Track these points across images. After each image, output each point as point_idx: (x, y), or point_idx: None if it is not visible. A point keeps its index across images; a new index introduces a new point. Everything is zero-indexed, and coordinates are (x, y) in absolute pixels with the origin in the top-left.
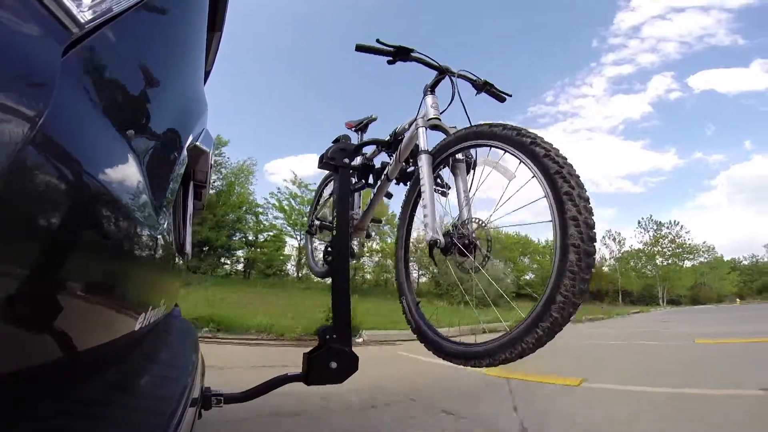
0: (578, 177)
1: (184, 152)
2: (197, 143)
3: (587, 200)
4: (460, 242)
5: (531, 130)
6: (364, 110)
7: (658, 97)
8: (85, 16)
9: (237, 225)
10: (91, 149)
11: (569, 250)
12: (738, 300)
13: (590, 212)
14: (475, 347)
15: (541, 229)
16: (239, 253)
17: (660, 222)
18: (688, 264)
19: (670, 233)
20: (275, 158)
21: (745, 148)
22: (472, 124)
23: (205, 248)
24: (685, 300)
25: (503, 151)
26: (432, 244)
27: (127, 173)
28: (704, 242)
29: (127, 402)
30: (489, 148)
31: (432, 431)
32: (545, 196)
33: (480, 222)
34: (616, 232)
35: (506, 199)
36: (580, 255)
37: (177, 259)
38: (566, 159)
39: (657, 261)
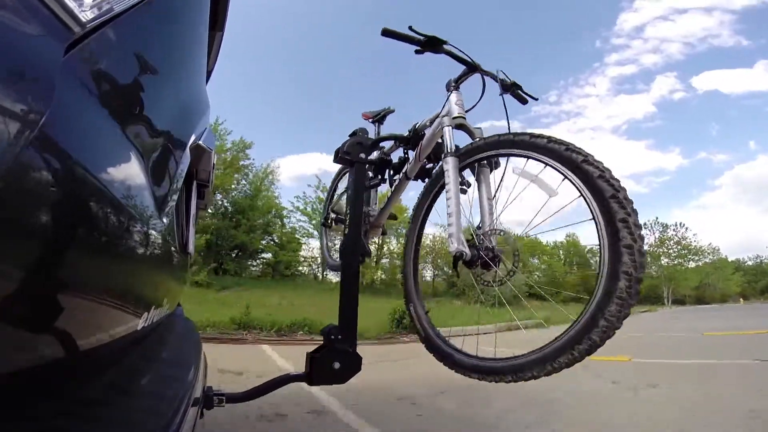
0: (632, 202)
1: (187, 151)
2: (200, 142)
3: (641, 228)
4: (486, 255)
5: (580, 146)
6: (366, 108)
7: (662, 97)
8: (86, 15)
9: (268, 229)
10: (93, 149)
11: (620, 277)
12: (741, 300)
13: (643, 240)
14: (496, 362)
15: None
16: (267, 255)
17: (666, 224)
18: (692, 265)
19: (675, 235)
20: (277, 157)
21: (750, 149)
22: (509, 132)
23: (235, 251)
24: (689, 300)
25: (544, 165)
26: (458, 257)
27: (129, 173)
28: (710, 244)
29: (129, 401)
30: (526, 159)
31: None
32: (593, 219)
33: (507, 235)
34: None
35: (546, 216)
36: (631, 283)
37: (180, 259)
38: (620, 182)
39: (662, 262)
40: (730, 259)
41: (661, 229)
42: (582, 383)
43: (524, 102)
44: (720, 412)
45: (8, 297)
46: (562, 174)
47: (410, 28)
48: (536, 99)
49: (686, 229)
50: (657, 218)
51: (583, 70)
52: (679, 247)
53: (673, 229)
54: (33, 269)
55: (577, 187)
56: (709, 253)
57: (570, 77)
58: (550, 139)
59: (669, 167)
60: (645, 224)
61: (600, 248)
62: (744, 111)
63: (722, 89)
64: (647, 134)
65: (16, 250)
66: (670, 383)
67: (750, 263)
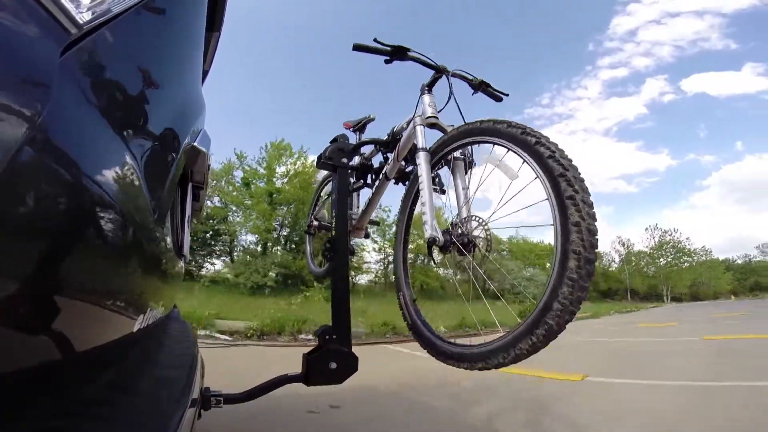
0: (583, 181)
1: (182, 153)
2: (195, 144)
3: (591, 205)
4: (459, 240)
5: (536, 129)
6: (362, 111)
7: (652, 99)
8: (83, 17)
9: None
10: (89, 150)
11: (570, 256)
12: (732, 297)
13: (593, 218)
14: (470, 349)
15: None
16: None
17: (664, 230)
18: (686, 265)
19: (672, 239)
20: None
21: (737, 149)
22: (476, 120)
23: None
24: (685, 297)
25: (507, 150)
26: (431, 242)
27: (124, 174)
28: (703, 246)
29: (126, 403)
30: (492, 145)
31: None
32: (548, 199)
33: (479, 220)
34: (626, 238)
35: (507, 199)
36: (580, 262)
37: (175, 261)
38: (571, 161)
39: (661, 262)
40: (720, 258)
41: (660, 234)
42: (664, 329)
43: (498, 99)
44: (733, 325)
45: (5, 298)
46: (522, 157)
47: (375, 40)
48: (507, 95)
49: (680, 233)
50: (656, 224)
51: (575, 73)
52: (674, 250)
53: (670, 234)
54: (28, 270)
55: (531, 168)
56: (702, 255)
57: (563, 80)
58: (509, 123)
59: (659, 168)
60: (646, 229)
61: (554, 228)
62: (731, 113)
63: (710, 92)
64: (637, 136)
65: (12, 250)
66: (706, 327)
67: (739, 262)
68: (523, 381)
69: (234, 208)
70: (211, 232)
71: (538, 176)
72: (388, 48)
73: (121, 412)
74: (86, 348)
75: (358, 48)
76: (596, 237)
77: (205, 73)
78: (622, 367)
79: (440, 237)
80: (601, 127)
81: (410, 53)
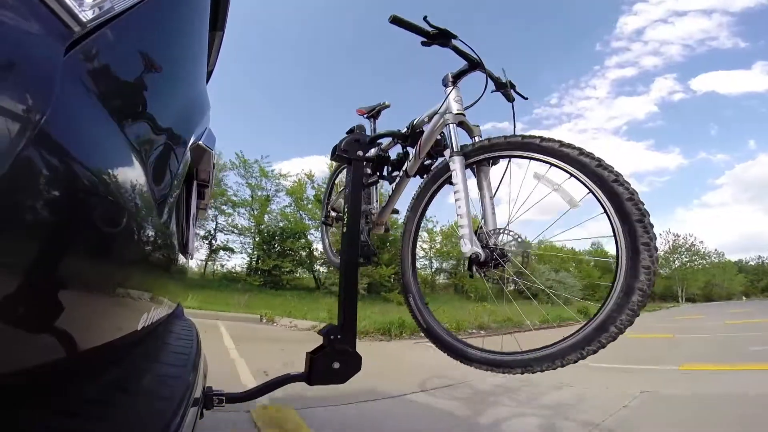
0: (653, 226)
1: (187, 151)
2: (200, 142)
3: (657, 249)
4: (499, 255)
5: (608, 163)
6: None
7: (661, 98)
8: (86, 15)
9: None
10: (93, 148)
11: (635, 291)
12: (744, 298)
13: (658, 261)
14: (505, 356)
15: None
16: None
17: (678, 234)
18: (700, 267)
19: (686, 243)
20: (281, 160)
21: (750, 148)
22: (535, 135)
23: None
24: (698, 298)
25: (569, 176)
26: (473, 259)
27: (129, 172)
28: (716, 249)
29: (129, 401)
30: (549, 166)
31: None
32: (614, 236)
33: (517, 237)
34: None
35: (567, 226)
36: (644, 298)
37: (180, 259)
38: (645, 205)
39: (675, 265)
40: (732, 259)
41: (674, 239)
42: (697, 319)
43: (510, 99)
44: (744, 316)
45: (8, 297)
46: (589, 189)
47: (425, 19)
48: (526, 98)
49: (694, 238)
50: (669, 229)
51: (583, 72)
52: (689, 253)
53: (684, 239)
54: (32, 269)
55: (602, 205)
56: (715, 257)
57: (571, 80)
58: (581, 151)
59: (670, 167)
60: (660, 234)
61: (617, 264)
62: (742, 111)
63: (720, 90)
64: (647, 135)
65: (16, 249)
66: (725, 316)
67: (753, 263)
68: (634, 339)
69: (311, 223)
70: (289, 249)
71: (606, 212)
72: (432, 30)
73: (123, 411)
74: (90, 346)
75: (396, 21)
76: (656, 277)
77: (209, 73)
78: (689, 332)
79: (482, 252)
80: (610, 126)
81: (454, 41)
